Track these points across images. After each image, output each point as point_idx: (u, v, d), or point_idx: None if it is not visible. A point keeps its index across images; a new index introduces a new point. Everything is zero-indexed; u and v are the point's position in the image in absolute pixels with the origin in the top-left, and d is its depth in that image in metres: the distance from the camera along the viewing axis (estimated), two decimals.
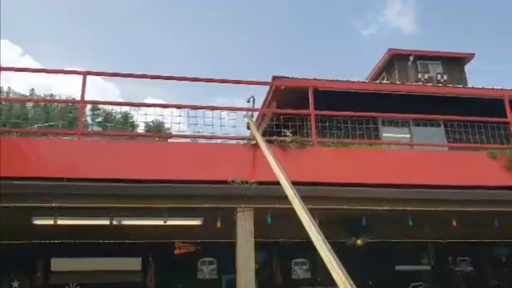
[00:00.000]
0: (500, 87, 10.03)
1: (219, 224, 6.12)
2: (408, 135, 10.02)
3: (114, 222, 6.25)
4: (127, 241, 7.91)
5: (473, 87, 10.92)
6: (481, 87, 10.48)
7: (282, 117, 7.48)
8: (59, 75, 7.45)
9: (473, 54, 15.32)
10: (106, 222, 6.18)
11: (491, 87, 10.17)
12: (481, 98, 9.51)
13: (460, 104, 9.53)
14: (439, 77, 14.25)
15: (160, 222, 6.26)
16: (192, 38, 63.54)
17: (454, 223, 6.87)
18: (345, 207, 6.42)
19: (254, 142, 6.52)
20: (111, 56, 53.19)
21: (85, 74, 6.74)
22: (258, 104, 9.88)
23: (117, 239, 7.91)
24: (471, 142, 8.26)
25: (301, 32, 62.77)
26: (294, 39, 63.33)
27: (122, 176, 5.94)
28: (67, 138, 7.33)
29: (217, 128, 6.91)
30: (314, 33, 62.00)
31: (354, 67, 51.10)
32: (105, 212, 6.05)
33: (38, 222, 6.32)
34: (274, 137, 6.77)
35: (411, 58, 14.24)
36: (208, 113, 7.04)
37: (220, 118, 6.92)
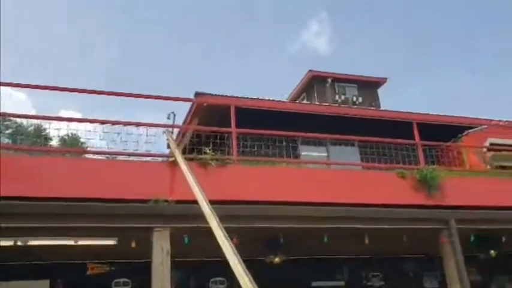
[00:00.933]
0: (409, 111, 10.72)
1: (134, 244, 5.92)
2: (325, 154, 10.37)
3: (19, 243, 5.84)
4: (33, 262, 7.42)
5: (385, 110, 11.58)
6: (392, 110, 11.13)
7: (203, 134, 7.42)
8: None
9: (386, 78, 16.29)
10: (9, 243, 5.75)
11: (401, 110, 10.82)
12: (393, 120, 10.05)
13: (374, 125, 10.04)
14: (354, 98, 14.98)
15: (71, 242, 5.94)
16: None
17: (367, 240, 7.17)
18: (263, 225, 6.48)
19: (173, 159, 6.41)
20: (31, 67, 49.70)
21: None
22: (180, 121, 9.77)
23: (23, 260, 7.40)
24: (383, 162, 8.70)
25: (221, 48, 62.73)
26: (217, 57, 62.99)
27: (30, 194, 5.58)
28: None
29: (136, 144, 6.74)
30: (235, 49, 62.26)
31: (274, 85, 52.11)
32: (9, 232, 5.62)
33: None
34: (194, 155, 6.69)
35: (329, 80, 14.86)
36: (127, 128, 6.84)
37: (140, 134, 6.75)
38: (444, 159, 9.25)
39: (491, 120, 11.32)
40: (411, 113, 10.30)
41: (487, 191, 8.19)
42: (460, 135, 10.70)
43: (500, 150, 9.91)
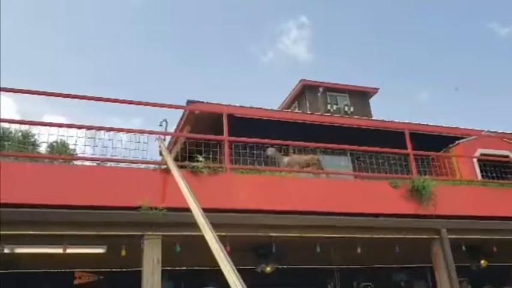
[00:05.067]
0: (400, 121, 10.75)
1: (124, 253, 5.81)
2: None
3: (6, 251, 5.71)
4: (19, 271, 7.27)
5: (378, 120, 11.59)
6: (384, 119, 11.15)
7: (195, 142, 7.35)
8: None
9: (378, 88, 16.37)
10: None
11: (393, 120, 10.85)
12: (384, 130, 10.07)
13: (366, 134, 10.05)
14: (346, 108, 15.03)
15: (58, 251, 5.81)
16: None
17: (359, 249, 7.13)
18: (255, 234, 6.43)
19: (165, 167, 6.34)
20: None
21: None
22: (171, 128, 9.67)
23: (8, 269, 7.25)
24: (375, 171, 8.67)
25: (201, 58, 61.52)
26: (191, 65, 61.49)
27: (16, 201, 5.46)
28: None
29: (127, 151, 6.65)
30: (213, 58, 61.17)
31: (255, 93, 51.45)
32: None
33: None
34: (186, 162, 6.62)
35: (321, 89, 14.89)
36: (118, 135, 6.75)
37: (130, 141, 6.67)
38: (436, 169, 9.27)
39: (481, 131, 11.39)
40: (403, 123, 10.32)
41: (479, 201, 8.23)
42: (450, 145, 10.75)
43: (490, 160, 9.95)
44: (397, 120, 10.59)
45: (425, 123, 11.07)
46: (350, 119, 12.07)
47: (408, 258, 8.80)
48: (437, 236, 7.34)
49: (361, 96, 15.69)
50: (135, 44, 58.48)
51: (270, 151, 8.66)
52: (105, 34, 58.91)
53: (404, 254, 7.62)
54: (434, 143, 10.18)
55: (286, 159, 8.93)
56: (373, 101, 16.33)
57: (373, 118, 13.39)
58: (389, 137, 8.89)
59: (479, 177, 9.96)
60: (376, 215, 7.20)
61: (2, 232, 5.20)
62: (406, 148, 8.40)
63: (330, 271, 9.49)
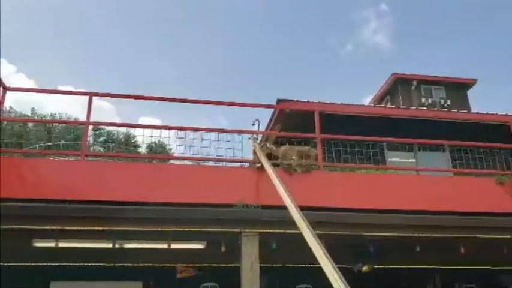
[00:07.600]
0: (504, 113, 10.02)
1: (223, 248, 6.00)
2: (413, 160, 9.94)
3: (117, 246, 6.15)
4: (128, 264, 7.78)
5: (478, 113, 10.90)
6: (485, 112, 10.46)
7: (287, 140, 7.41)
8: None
9: (476, 79, 15.38)
10: (108, 245, 6.07)
11: (495, 113, 10.16)
12: (486, 124, 9.45)
13: (465, 129, 9.49)
14: (442, 101, 14.28)
15: (164, 246, 6.14)
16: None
17: (462, 250, 6.76)
18: (351, 233, 6.32)
19: (259, 165, 6.46)
20: (100, 73, 51.72)
21: (91, 95, 6.71)
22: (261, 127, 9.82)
23: (118, 262, 7.78)
24: (477, 168, 8.17)
25: (279, 54, 61.37)
26: (271, 63, 61.47)
27: (124, 199, 5.86)
28: (69, 159, 7.27)
29: (221, 150, 6.87)
30: (291, 55, 60.74)
31: (335, 87, 50.21)
32: (108, 235, 5.94)
33: (39, 244, 6.20)
34: (279, 161, 6.69)
35: (415, 83, 14.27)
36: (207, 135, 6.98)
37: (217, 140, 6.84)
38: None
39: None
40: (506, 115, 9.63)
41: None
42: None
43: None
44: (501, 113, 9.89)
45: None
46: (450, 113, 11.46)
47: None
48: None
49: (458, 88, 14.82)
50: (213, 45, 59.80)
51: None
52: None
53: None
54: None
55: (281, 149, 8.50)
56: (470, 93, 15.40)
57: (473, 111, 12.61)
58: (490, 131, 8.35)
59: None
60: (480, 214, 6.77)
61: (114, 228, 5.62)
62: (510, 142, 7.83)
63: (430, 272, 9.10)
